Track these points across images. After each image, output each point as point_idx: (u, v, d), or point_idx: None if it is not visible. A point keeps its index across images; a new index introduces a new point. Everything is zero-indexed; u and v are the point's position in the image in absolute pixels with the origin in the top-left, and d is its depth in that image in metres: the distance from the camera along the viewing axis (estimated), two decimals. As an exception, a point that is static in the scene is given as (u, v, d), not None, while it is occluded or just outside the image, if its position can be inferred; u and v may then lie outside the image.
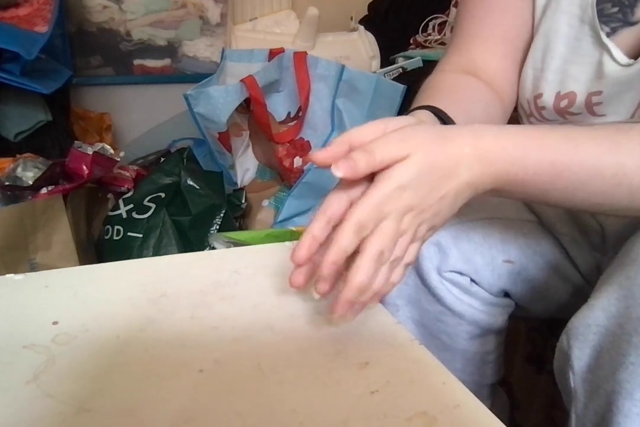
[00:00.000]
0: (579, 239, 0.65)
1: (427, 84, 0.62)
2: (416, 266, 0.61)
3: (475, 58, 0.64)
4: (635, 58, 0.52)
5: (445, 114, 0.52)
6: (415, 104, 0.56)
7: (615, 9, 0.53)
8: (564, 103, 0.58)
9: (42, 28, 1.32)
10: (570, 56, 0.57)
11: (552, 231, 0.65)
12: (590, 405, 0.44)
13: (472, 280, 0.64)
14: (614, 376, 0.41)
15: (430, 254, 0.61)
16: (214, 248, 1.19)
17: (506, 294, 0.67)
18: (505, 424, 0.36)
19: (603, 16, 0.54)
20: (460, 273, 0.62)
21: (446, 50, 0.68)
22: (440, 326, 0.65)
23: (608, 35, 0.54)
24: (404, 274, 0.45)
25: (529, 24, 0.62)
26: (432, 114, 0.51)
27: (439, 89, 0.60)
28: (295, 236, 1.23)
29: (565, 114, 0.59)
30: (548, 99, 0.60)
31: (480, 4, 0.64)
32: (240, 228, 1.38)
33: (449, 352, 0.66)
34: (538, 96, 0.61)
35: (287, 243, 0.61)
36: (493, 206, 0.64)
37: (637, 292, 0.41)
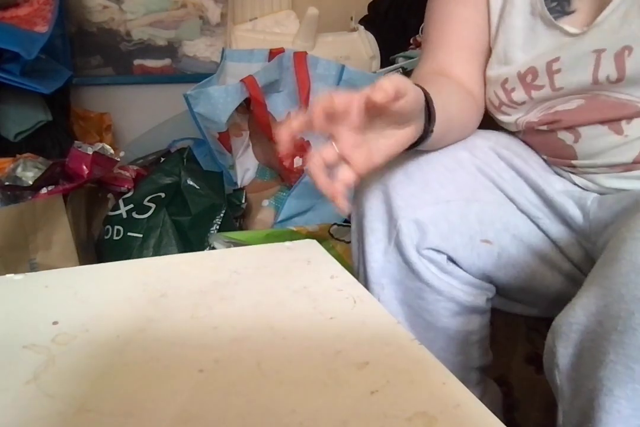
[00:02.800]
0: (556, 223, 0.67)
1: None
2: (396, 243, 0.64)
3: (442, 64, 0.71)
4: None
5: (429, 94, 0.58)
6: None
7: (555, 4, 0.63)
8: (528, 78, 0.65)
9: (42, 28, 1.32)
10: (529, 43, 0.65)
11: (526, 214, 0.67)
12: (575, 402, 0.46)
13: (450, 259, 0.65)
14: (595, 373, 0.43)
15: (410, 230, 0.63)
16: (214, 248, 1.19)
17: (489, 281, 0.69)
18: (499, 418, 0.36)
19: (547, 9, 0.64)
20: (438, 251, 0.64)
21: (418, 59, 0.76)
22: (422, 304, 0.66)
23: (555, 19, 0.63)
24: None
25: (486, 31, 0.70)
26: (420, 90, 0.57)
27: (420, 82, 0.65)
28: (295, 236, 1.23)
29: (531, 89, 0.65)
30: (513, 80, 0.66)
31: (441, 16, 0.72)
32: (240, 228, 1.38)
33: (432, 332, 0.67)
34: (504, 82, 0.67)
35: (287, 243, 0.61)
36: (470, 190, 0.66)
37: (615, 291, 0.42)
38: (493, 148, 0.69)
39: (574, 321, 0.45)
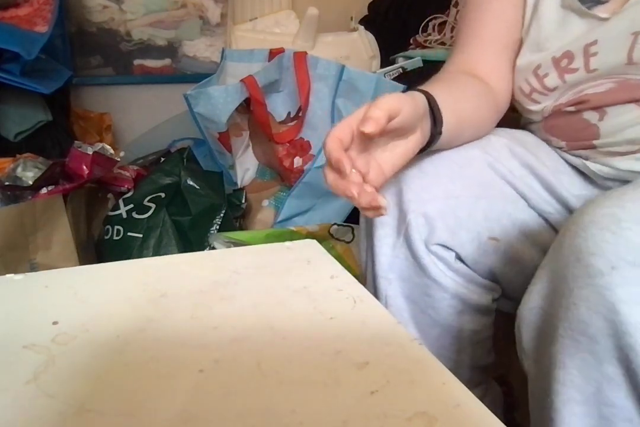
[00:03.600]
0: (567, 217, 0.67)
1: (435, 77, 0.72)
2: (406, 237, 0.64)
3: (472, 57, 0.73)
4: None
5: (433, 97, 0.59)
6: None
7: None
8: (563, 63, 0.66)
9: (42, 28, 1.32)
10: (562, 30, 0.67)
11: (537, 210, 0.68)
12: (538, 382, 0.49)
13: (457, 255, 0.66)
14: (549, 350, 0.46)
15: (419, 225, 0.63)
16: (214, 248, 1.19)
17: (495, 281, 0.69)
18: (500, 418, 0.36)
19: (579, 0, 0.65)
20: (446, 247, 0.64)
21: (450, 52, 0.78)
22: (428, 300, 0.66)
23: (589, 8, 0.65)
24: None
25: (518, 25, 0.71)
26: (423, 96, 0.59)
27: (436, 81, 0.69)
28: (295, 235, 1.23)
29: (565, 73, 0.66)
30: (547, 65, 0.67)
31: (476, 9, 0.73)
32: (240, 228, 1.38)
33: (436, 329, 0.68)
34: (537, 68, 0.69)
35: (287, 243, 0.61)
36: (479, 186, 0.66)
37: (559, 273, 0.46)
38: (507, 145, 0.69)
39: (532, 306, 0.49)
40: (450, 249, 0.64)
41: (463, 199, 0.65)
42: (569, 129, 0.70)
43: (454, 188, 0.65)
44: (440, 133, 0.60)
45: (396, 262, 0.65)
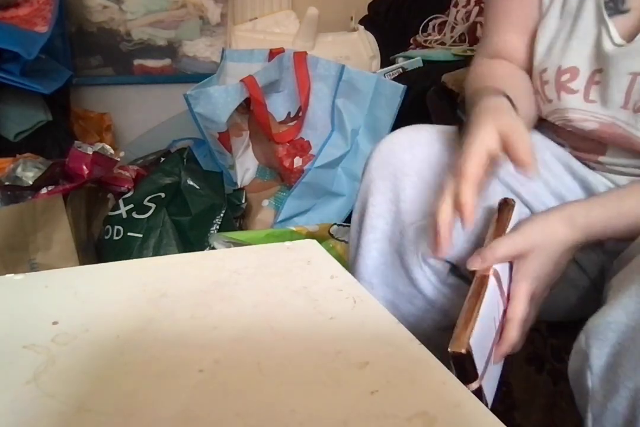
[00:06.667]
0: None
1: (476, 71, 0.74)
2: (398, 247, 0.63)
3: (501, 44, 0.74)
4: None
5: (513, 101, 0.60)
6: (478, 86, 0.66)
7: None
8: (565, 77, 0.64)
9: (42, 28, 1.32)
10: (574, 32, 0.64)
11: None
12: (609, 404, 0.45)
13: (454, 267, 0.64)
14: (636, 371, 0.42)
15: (416, 237, 0.62)
16: (214, 248, 1.19)
17: None
18: (500, 418, 0.36)
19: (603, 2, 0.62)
20: (442, 260, 0.63)
21: (481, 40, 0.81)
22: (411, 308, 0.66)
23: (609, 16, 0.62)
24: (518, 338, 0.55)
25: (540, 12, 0.70)
26: (507, 100, 0.60)
27: (492, 77, 0.70)
28: (295, 236, 1.23)
29: (562, 90, 0.64)
30: (551, 72, 0.65)
31: None
32: (240, 228, 1.38)
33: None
34: (543, 71, 0.67)
35: (287, 243, 0.61)
36: (483, 195, 0.65)
37: None
38: None
39: (612, 320, 0.45)
40: (447, 261, 0.63)
41: None
42: (574, 136, 0.68)
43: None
44: None
45: (382, 269, 0.64)
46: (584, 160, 0.67)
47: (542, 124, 0.73)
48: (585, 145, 0.66)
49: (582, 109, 0.63)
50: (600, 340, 0.45)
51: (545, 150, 0.69)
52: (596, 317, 0.46)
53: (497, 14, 0.75)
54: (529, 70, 0.72)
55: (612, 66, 0.59)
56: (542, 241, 0.54)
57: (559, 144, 0.71)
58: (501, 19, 0.74)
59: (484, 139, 0.53)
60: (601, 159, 0.65)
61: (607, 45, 0.60)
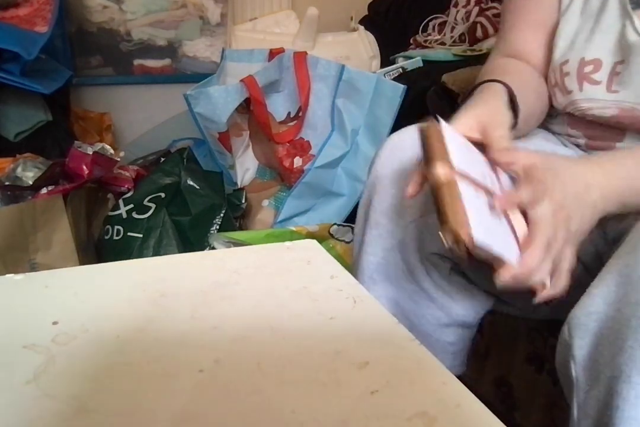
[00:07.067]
0: None
1: (487, 68, 0.75)
2: (401, 244, 0.63)
3: (517, 44, 0.75)
4: None
5: (512, 91, 0.61)
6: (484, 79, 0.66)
7: None
8: (588, 68, 0.65)
9: (42, 28, 1.32)
10: (597, 26, 0.66)
11: None
12: (592, 392, 0.45)
13: (455, 264, 0.64)
14: (613, 360, 0.43)
15: (419, 234, 0.62)
16: (214, 248, 1.19)
17: (493, 289, 0.67)
18: (500, 418, 0.36)
19: None
20: (443, 257, 0.63)
21: (498, 39, 0.82)
22: (412, 305, 0.66)
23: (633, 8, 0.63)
24: (566, 281, 0.50)
25: (557, 11, 0.72)
26: (503, 86, 0.62)
27: (500, 73, 0.69)
28: (295, 236, 1.23)
29: (584, 80, 0.65)
30: (573, 64, 0.67)
31: None
32: (240, 228, 1.38)
33: (413, 333, 0.67)
34: (564, 63, 0.68)
35: (287, 243, 0.61)
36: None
37: (635, 279, 0.42)
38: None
39: (593, 310, 0.45)
40: (448, 259, 0.64)
41: None
42: (592, 125, 0.69)
43: None
44: (516, 124, 0.61)
45: (385, 265, 0.65)
46: (601, 149, 0.68)
47: (553, 121, 0.73)
48: (603, 133, 0.67)
49: (604, 99, 0.64)
50: (582, 330, 0.46)
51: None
52: (578, 308, 0.47)
53: (514, 12, 0.76)
54: (542, 69, 0.73)
55: (637, 55, 0.61)
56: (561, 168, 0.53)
57: (572, 136, 0.72)
58: (518, 18, 0.75)
59: (457, 129, 0.54)
60: (619, 145, 0.66)
61: (632, 36, 0.62)
